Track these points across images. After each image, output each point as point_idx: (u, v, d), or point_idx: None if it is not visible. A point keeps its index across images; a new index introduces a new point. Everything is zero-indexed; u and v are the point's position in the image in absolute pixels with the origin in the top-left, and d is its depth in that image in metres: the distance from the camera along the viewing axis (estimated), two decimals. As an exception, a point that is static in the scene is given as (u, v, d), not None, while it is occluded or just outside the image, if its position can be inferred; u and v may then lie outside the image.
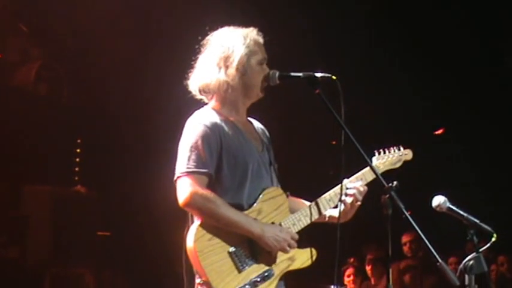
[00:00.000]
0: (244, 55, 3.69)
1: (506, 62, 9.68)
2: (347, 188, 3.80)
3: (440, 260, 3.31)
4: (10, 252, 8.21)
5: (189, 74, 3.79)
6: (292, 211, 3.77)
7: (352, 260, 8.78)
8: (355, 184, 3.82)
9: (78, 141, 9.08)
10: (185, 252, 3.58)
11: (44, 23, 8.41)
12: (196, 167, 3.53)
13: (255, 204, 3.63)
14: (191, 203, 3.50)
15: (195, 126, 3.62)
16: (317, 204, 3.79)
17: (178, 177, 3.56)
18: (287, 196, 3.80)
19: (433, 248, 3.30)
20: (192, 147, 3.57)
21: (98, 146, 9.00)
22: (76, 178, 8.92)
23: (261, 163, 3.73)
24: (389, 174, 3.84)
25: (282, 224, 3.68)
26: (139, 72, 8.56)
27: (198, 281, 3.55)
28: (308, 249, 3.75)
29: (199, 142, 3.56)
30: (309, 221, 3.75)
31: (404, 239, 8.59)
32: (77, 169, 8.99)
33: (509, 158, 10.14)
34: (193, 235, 3.51)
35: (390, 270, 3.74)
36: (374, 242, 9.39)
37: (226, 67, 3.68)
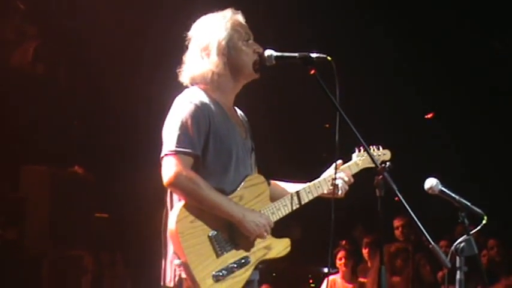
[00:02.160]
0: (222, 39, 3.69)
1: (493, 46, 9.66)
2: (333, 178, 3.86)
3: (432, 243, 3.33)
4: (8, 233, 8.20)
5: (179, 71, 3.78)
6: (273, 198, 3.80)
7: (344, 242, 8.79)
8: (340, 174, 3.90)
9: (75, 122, 9.06)
10: (164, 233, 3.60)
11: (41, 1, 8.33)
12: (184, 147, 3.51)
13: (237, 190, 3.64)
14: (175, 183, 3.48)
15: (186, 104, 3.59)
16: (298, 195, 3.83)
17: (165, 154, 3.54)
18: (268, 184, 3.82)
19: (425, 230, 3.31)
20: (181, 125, 3.54)
21: (96, 127, 8.99)
22: (74, 159, 8.89)
23: (244, 150, 3.74)
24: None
25: (262, 212, 3.70)
26: (138, 52, 8.53)
27: (176, 262, 3.54)
28: (284, 240, 3.76)
29: (189, 121, 3.54)
30: (287, 211, 3.79)
31: (397, 223, 8.59)
32: (75, 150, 8.97)
33: (498, 144, 10.19)
34: (175, 216, 3.50)
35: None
36: (364, 224, 9.45)
37: (208, 55, 3.69)
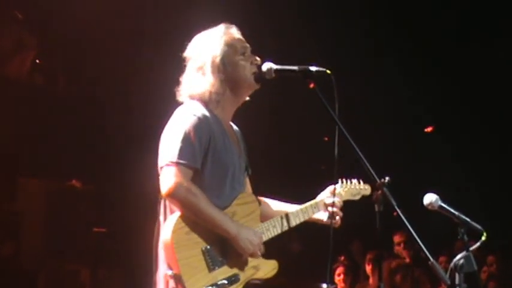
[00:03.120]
0: (216, 56, 3.69)
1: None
2: (325, 204, 3.95)
3: (431, 259, 3.30)
4: (4, 248, 8.18)
5: (176, 91, 3.77)
6: (264, 217, 3.82)
7: (342, 258, 8.75)
8: (332, 199, 3.93)
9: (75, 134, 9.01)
10: (155, 245, 3.59)
11: (40, 11, 8.30)
12: (186, 159, 3.50)
13: (230, 206, 3.64)
14: (174, 194, 3.47)
15: (188, 116, 3.58)
16: (287, 218, 3.86)
17: (166, 165, 3.52)
18: (259, 204, 3.83)
19: (424, 246, 3.28)
20: (184, 137, 3.53)
21: (93, 138, 8.95)
22: (72, 172, 8.86)
23: (238, 167, 3.74)
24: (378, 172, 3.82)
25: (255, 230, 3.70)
26: (136, 62, 8.51)
27: (168, 272, 3.51)
28: (271, 261, 3.77)
29: (192, 134, 3.53)
30: (276, 233, 3.80)
31: (398, 238, 8.57)
32: (73, 163, 8.94)
33: (499, 157, 10.18)
34: (172, 226, 3.48)
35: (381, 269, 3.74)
36: (362, 240, 9.41)
37: (203, 75, 3.68)
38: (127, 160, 8.79)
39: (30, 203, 8.34)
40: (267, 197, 4.04)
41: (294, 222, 3.88)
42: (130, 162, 8.68)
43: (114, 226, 9.11)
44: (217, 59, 3.68)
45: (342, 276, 8.50)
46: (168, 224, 3.51)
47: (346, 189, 4.15)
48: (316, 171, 7.85)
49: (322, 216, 4.00)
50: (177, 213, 3.52)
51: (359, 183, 4.22)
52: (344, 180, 4.16)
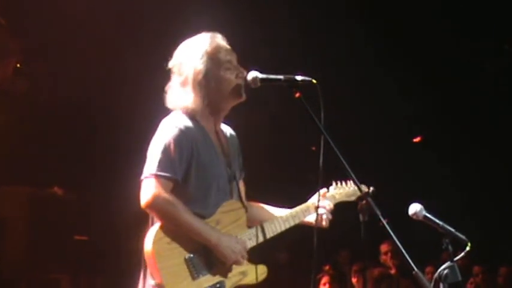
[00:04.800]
0: (199, 72, 3.65)
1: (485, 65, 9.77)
2: (316, 207, 3.89)
3: (416, 269, 3.28)
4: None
5: (164, 96, 3.75)
6: (254, 221, 3.81)
7: (327, 267, 8.74)
8: (324, 202, 3.94)
9: (57, 141, 8.96)
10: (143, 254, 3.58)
11: (22, 16, 8.25)
12: (165, 171, 3.51)
13: (214, 215, 3.64)
14: (152, 205, 3.49)
15: (170, 129, 3.59)
16: (275, 223, 3.85)
17: (145, 177, 3.54)
18: (246, 211, 3.81)
19: (410, 257, 3.28)
20: (164, 149, 3.54)
21: (77, 147, 8.90)
22: (54, 180, 8.81)
23: (226, 177, 3.73)
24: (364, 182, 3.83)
25: (238, 237, 3.69)
26: (122, 68, 8.47)
27: (151, 282, 3.52)
28: (260, 266, 3.76)
29: (172, 146, 3.54)
30: (264, 239, 3.79)
31: (384, 248, 8.57)
32: (55, 170, 8.88)
33: (485, 166, 10.26)
34: (152, 236, 3.49)
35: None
36: (348, 249, 9.41)
37: (186, 91, 3.67)
38: (110, 168, 8.77)
39: (12, 211, 8.28)
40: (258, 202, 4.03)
41: (284, 227, 3.87)
42: (113, 170, 8.66)
43: (95, 234, 9.07)
44: (200, 76, 3.65)
45: (327, 285, 8.48)
46: (149, 235, 3.52)
47: (340, 191, 4.14)
48: (304, 180, 7.85)
49: (313, 219, 3.95)
50: (158, 224, 3.53)
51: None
52: (338, 182, 4.14)
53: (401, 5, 9.17)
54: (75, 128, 8.84)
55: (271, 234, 3.82)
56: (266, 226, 3.81)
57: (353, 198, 4.16)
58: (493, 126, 10.15)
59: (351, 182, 4.14)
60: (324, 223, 3.93)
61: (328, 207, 3.98)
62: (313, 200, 4.00)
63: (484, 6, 8.97)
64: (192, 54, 3.70)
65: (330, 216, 3.96)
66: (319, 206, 3.90)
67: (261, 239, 3.77)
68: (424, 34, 9.43)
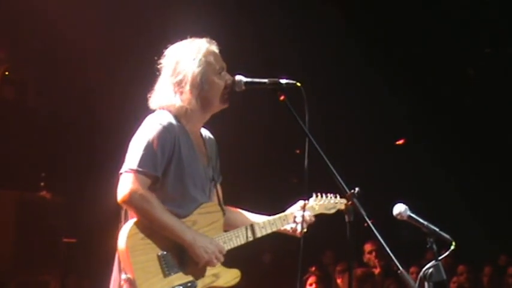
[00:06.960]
0: (196, 75, 3.68)
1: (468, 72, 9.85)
2: (295, 217, 3.92)
3: (401, 268, 3.31)
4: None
5: (149, 96, 3.76)
6: (231, 226, 3.83)
7: (313, 268, 8.76)
8: (306, 213, 3.94)
9: (44, 146, 8.96)
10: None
11: (9, 24, 8.26)
12: (145, 167, 3.52)
13: (191, 215, 3.65)
14: (129, 201, 3.50)
15: (154, 125, 3.60)
16: (252, 228, 3.85)
17: (125, 171, 3.53)
18: (223, 215, 3.82)
19: (395, 256, 3.31)
20: (147, 145, 3.55)
21: (64, 151, 8.90)
22: (42, 183, 8.80)
23: (204, 179, 3.74)
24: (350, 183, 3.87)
25: (214, 239, 3.70)
26: (109, 73, 8.49)
27: (123, 277, 3.53)
28: (234, 270, 3.77)
29: (155, 142, 3.55)
30: (239, 243, 3.79)
31: (369, 247, 8.60)
32: (42, 174, 8.88)
33: (471, 166, 10.31)
34: (127, 231, 3.50)
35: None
36: (333, 250, 9.43)
37: (181, 93, 3.69)
38: (97, 171, 8.77)
39: (0, 214, 8.26)
40: (238, 208, 4.03)
41: (260, 234, 3.87)
42: (100, 173, 8.66)
43: (83, 236, 9.07)
44: (198, 78, 3.68)
45: (314, 286, 8.51)
46: (124, 229, 3.53)
47: (320, 203, 4.15)
48: (288, 184, 7.88)
49: (290, 227, 3.98)
50: (133, 220, 3.54)
51: (335, 197, 4.20)
52: (319, 194, 4.15)
53: (389, 7, 9.25)
54: (62, 133, 8.85)
55: (247, 240, 3.82)
56: (242, 231, 3.81)
57: (332, 211, 4.18)
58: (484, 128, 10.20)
59: (331, 195, 4.17)
60: (298, 231, 3.93)
61: (308, 219, 3.98)
62: (292, 209, 4.00)
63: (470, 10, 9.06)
64: (189, 57, 3.72)
65: (305, 226, 3.93)
66: (297, 215, 3.92)
67: (236, 243, 3.77)
68: (411, 36, 9.48)
